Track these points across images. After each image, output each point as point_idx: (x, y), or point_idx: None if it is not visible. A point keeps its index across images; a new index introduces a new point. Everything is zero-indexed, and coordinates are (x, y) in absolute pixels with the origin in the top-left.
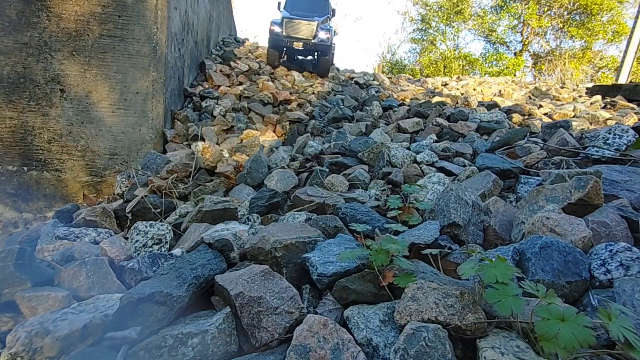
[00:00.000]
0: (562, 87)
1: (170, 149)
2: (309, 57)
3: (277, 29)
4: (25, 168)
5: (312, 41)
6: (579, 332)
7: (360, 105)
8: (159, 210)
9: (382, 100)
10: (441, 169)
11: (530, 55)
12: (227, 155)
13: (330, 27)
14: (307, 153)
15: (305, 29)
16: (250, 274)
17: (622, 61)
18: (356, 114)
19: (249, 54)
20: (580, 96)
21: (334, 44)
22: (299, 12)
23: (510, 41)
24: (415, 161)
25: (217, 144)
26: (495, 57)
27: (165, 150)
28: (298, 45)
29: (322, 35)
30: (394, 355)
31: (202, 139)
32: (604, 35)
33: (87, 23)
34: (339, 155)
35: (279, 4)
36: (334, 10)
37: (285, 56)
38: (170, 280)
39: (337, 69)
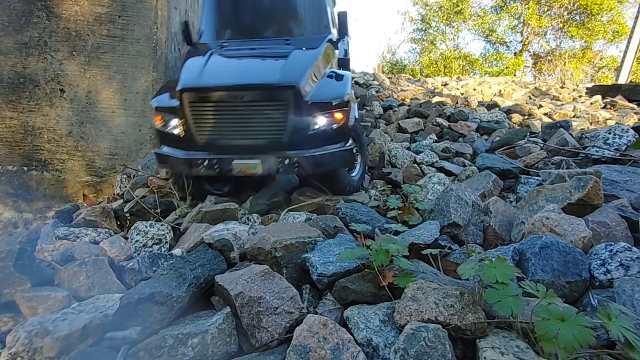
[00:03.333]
0: (562, 87)
1: None
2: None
3: (172, 126)
4: (25, 168)
5: (292, 162)
6: (579, 332)
7: (361, 105)
8: (158, 210)
9: (382, 100)
10: (441, 169)
11: (530, 55)
12: None
13: (347, 80)
14: None
15: (264, 120)
16: (250, 274)
17: (622, 61)
18: None
19: None
20: (580, 96)
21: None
22: (244, 44)
23: (510, 41)
24: (415, 161)
25: None
26: (495, 57)
27: None
28: (249, 170)
29: (322, 120)
30: (394, 355)
31: None
32: (604, 35)
33: (87, 23)
34: None
35: (185, 25)
36: (341, 18)
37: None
38: (170, 281)
39: None
